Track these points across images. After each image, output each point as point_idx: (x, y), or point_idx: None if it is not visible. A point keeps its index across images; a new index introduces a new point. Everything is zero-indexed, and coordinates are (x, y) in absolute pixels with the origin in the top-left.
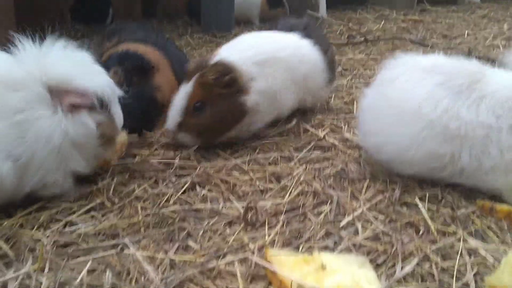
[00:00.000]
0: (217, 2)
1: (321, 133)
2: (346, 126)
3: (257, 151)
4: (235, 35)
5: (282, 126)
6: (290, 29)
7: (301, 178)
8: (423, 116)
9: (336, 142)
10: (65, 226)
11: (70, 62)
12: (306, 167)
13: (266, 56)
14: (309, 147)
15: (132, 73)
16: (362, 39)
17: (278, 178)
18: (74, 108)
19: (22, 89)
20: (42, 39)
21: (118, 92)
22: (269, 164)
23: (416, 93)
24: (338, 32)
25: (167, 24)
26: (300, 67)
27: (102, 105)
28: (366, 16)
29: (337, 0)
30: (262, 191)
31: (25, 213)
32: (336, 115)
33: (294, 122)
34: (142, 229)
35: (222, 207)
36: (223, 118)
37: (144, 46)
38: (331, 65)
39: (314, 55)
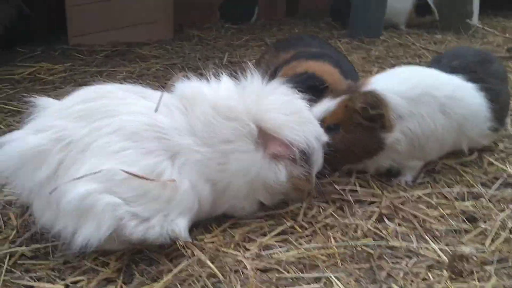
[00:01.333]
0: (367, 6)
1: (510, 168)
2: None
3: (439, 182)
4: (383, 41)
5: (462, 155)
6: (452, 70)
7: (502, 223)
8: None
9: None
10: (260, 248)
11: (285, 110)
12: (504, 208)
13: (421, 92)
14: (499, 183)
15: (308, 93)
16: None
17: (472, 218)
18: (275, 156)
19: (235, 120)
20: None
21: (324, 139)
22: (457, 199)
23: None
24: (495, 44)
25: (310, 26)
26: (456, 112)
27: (303, 158)
28: None
29: (485, 5)
30: (456, 232)
31: (221, 230)
32: None
33: (475, 153)
34: (339, 262)
35: (418, 247)
36: (355, 147)
37: (321, 63)
38: (499, 113)
39: (476, 101)
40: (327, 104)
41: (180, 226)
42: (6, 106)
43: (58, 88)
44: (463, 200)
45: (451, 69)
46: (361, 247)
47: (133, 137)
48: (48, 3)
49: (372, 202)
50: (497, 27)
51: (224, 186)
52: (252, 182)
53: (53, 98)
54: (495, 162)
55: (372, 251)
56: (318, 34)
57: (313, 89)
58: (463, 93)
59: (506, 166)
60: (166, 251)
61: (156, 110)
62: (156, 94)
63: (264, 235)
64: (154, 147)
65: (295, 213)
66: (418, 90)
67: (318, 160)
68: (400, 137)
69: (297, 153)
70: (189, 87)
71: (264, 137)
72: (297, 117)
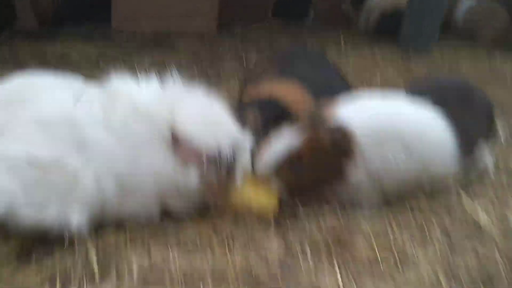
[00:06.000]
0: (421, 14)
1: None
2: None
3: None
4: (433, 57)
5: (437, 191)
6: (419, 94)
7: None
8: None
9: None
10: None
11: (196, 115)
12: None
13: (387, 131)
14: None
15: (270, 124)
16: None
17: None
18: (184, 160)
19: (150, 123)
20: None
21: (245, 146)
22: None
23: None
24: None
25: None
26: (420, 151)
27: (214, 162)
28: None
29: None
30: None
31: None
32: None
33: (453, 195)
34: None
35: None
36: (319, 179)
37: (291, 88)
38: (467, 148)
39: (441, 134)
40: (291, 137)
41: (77, 217)
42: None
43: (83, 69)
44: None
45: (418, 93)
46: None
47: (45, 124)
48: None
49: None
50: None
51: (132, 186)
52: (164, 186)
53: None
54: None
55: None
56: (366, 41)
57: (277, 120)
58: (427, 127)
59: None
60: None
61: (76, 103)
62: (83, 86)
63: None
64: (64, 136)
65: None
66: (386, 129)
67: (239, 167)
68: (363, 179)
69: (206, 158)
70: (117, 84)
71: (175, 143)
72: (212, 121)
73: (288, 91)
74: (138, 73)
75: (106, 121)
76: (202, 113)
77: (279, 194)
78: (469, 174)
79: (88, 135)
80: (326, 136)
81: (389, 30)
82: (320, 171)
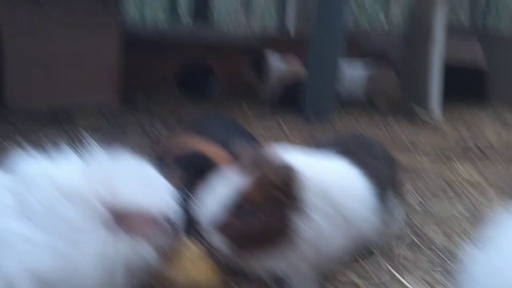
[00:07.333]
0: (316, 83)
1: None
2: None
3: None
4: (334, 126)
5: (363, 262)
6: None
7: None
8: None
9: None
10: None
11: (137, 183)
12: None
13: (329, 186)
14: None
15: (196, 180)
16: (480, 153)
17: None
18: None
19: (79, 203)
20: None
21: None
22: None
23: None
24: (452, 141)
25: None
26: (346, 204)
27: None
28: (485, 120)
29: (450, 93)
30: None
31: None
32: (432, 254)
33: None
34: None
35: None
36: (268, 230)
37: (212, 144)
38: (388, 202)
39: (360, 188)
40: (237, 182)
41: None
42: None
43: None
44: None
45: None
46: None
47: None
48: None
49: None
50: (458, 121)
51: (66, 277)
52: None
53: None
54: (394, 272)
55: None
56: (269, 112)
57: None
58: (350, 182)
59: (404, 278)
60: None
61: None
62: None
63: None
64: None
65: None
66: (327, 183)
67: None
68: (308, 231)
69: (157, 224)
70: (29, 166)
71: (119, 217)
72: (152, 189)
73: (210, 147)
74: (49, 151)
75: (24, 208)
76: (140, 178)
77: (223, 259)
78: (387, 229)
79: None
80: (277, 174)
81: (291, 101)
82: (272, 218)
